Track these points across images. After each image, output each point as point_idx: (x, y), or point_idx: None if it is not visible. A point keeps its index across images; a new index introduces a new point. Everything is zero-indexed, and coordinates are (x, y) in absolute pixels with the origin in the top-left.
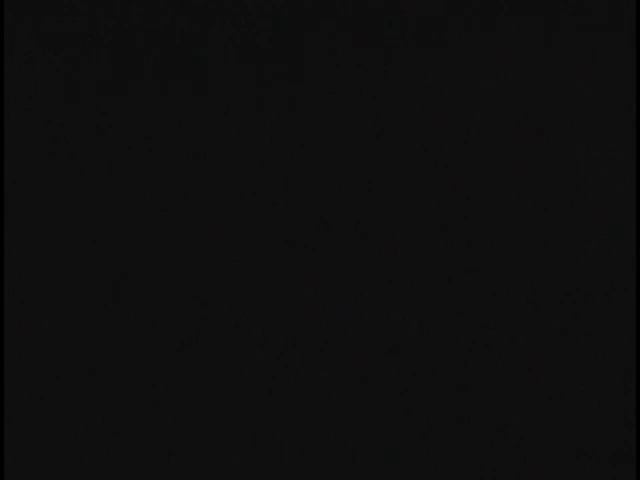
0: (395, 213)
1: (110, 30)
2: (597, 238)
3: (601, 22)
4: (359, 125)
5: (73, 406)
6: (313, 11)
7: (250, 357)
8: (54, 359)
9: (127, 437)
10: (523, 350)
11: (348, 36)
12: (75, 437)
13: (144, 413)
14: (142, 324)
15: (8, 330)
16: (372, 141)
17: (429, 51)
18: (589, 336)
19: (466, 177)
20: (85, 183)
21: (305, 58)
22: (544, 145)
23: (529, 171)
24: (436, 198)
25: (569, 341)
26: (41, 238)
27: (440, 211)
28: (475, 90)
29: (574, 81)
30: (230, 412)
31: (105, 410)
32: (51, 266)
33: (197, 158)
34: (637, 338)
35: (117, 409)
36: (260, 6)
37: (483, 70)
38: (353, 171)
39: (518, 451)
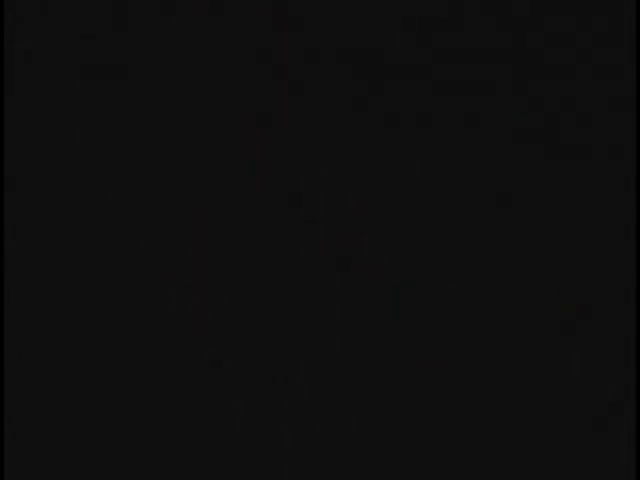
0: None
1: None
2: (597, 241)
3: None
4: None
5: (72, 406)
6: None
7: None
8: (54, 359)
9: (126, 437)
10: (523, 350)
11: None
12: (74, 437)
13: (144, 414)
14: (140, 323)
15: (8, 330)
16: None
17: None
18: (589, 337)
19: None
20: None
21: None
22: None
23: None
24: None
25: (569, 341)
26: (40, 235)
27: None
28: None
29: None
30: (229, 411)
31: (104, 411)
32: (49, 265)
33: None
34: (637, 339)
35: (116, 410)
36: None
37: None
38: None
39: (517, 450)
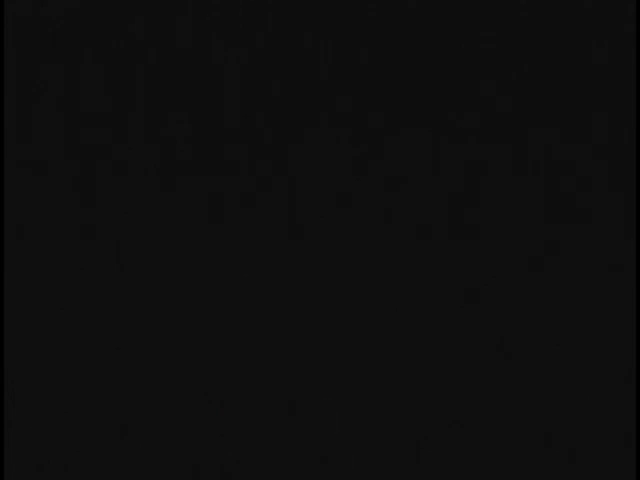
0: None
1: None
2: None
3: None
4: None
5: (72, 406)
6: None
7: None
8: (54, 359)
9: (125, 438)
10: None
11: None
12: (74, 437)
13: (143, 414)
14: (140, 323)
15: (8, 330)
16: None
17: None
18: (589, 337)
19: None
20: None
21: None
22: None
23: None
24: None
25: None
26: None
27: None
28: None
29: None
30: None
31: (104, 411)
32: (50, 268)
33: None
34: (637, 339)
35: (116, 410)
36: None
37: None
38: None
39: (517, 450)
